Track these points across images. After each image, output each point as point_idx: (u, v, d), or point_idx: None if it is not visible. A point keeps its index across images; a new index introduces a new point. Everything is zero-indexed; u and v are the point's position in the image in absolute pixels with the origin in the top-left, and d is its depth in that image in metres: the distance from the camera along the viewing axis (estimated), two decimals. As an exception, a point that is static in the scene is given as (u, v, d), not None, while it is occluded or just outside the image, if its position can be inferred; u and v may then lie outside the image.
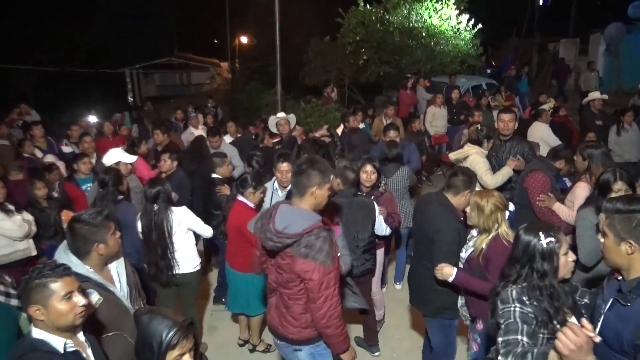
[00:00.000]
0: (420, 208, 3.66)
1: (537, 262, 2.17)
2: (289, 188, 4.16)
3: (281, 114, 7.16)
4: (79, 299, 2.04)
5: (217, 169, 5.19)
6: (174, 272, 4.07)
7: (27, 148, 6.79)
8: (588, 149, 4.08)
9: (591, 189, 3.79)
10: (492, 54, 20.56)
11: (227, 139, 7.63)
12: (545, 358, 1.80)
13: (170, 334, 1.88)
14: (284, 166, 4.35)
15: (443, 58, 14.80)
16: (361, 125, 8.55)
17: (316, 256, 2.51)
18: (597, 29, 17.15)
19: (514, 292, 2.18)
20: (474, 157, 5.16)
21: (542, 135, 6.87)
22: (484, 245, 3.13)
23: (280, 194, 4.44)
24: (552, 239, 2.16)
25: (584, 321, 1.79)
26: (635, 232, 1.87)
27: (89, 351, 2.16)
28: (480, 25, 14.99)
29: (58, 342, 2.01)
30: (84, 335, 2.17)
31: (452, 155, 5.52)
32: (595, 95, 8.38)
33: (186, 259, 4.14)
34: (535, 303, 2.13)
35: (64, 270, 2.04)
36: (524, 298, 2.16)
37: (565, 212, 4.02)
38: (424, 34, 14.48)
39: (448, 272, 3.18)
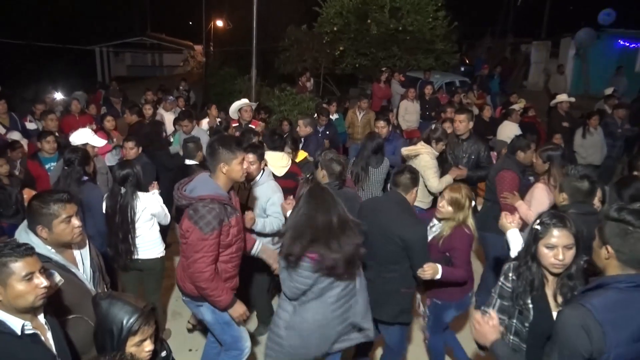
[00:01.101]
0: (376, 209, 3.55)
1: (527, 241, 2.32)
2: (258, 178, 4.10)
3: (245, 100, 7.12)
4: (41, 280, 1.98)
5: (194, 155, 5.09)
6: (135, 257, 4.01)
7: (-12, 123, 6.54)
8: (547, 151, 4.19)
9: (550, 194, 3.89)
10: (467, 53, 20.81)
11: (205, 124, 7.46)
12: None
13: (131, 320, 1.85)
14: (250, 157, 3.98)
15: (418, 53, 14.90)
16: (334, 117, 8.55)
17: (198, 221, 2.85)
18: (568, 33, 17.54)
19: (506, 266, 2.43)
20: (424, 157, 5.18)
21: (511, 134, 7.00)
22: (445, 233, 3.36)
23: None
24: (539, 227, 2.23)
25: (491, 311, 2.28)
26: (615, 240, 1.94)
27: (49, 334, 2.10)
28: (456, 23, 15.13)
29: (16, 323, 1.95)
30: (45, 317, 2.11)
31: (404, 151, 5.51)
32: (562, 97, 8.61)
33: (150, 244, 4.09)
34: (514, 277, 2.33)
35: (26, 250, 1.97)
36: (510, 273, 2.38)
37: (524, 210, 4.09)
38: (400, 29, 14.53)
39: (435, 270, 3.20)
